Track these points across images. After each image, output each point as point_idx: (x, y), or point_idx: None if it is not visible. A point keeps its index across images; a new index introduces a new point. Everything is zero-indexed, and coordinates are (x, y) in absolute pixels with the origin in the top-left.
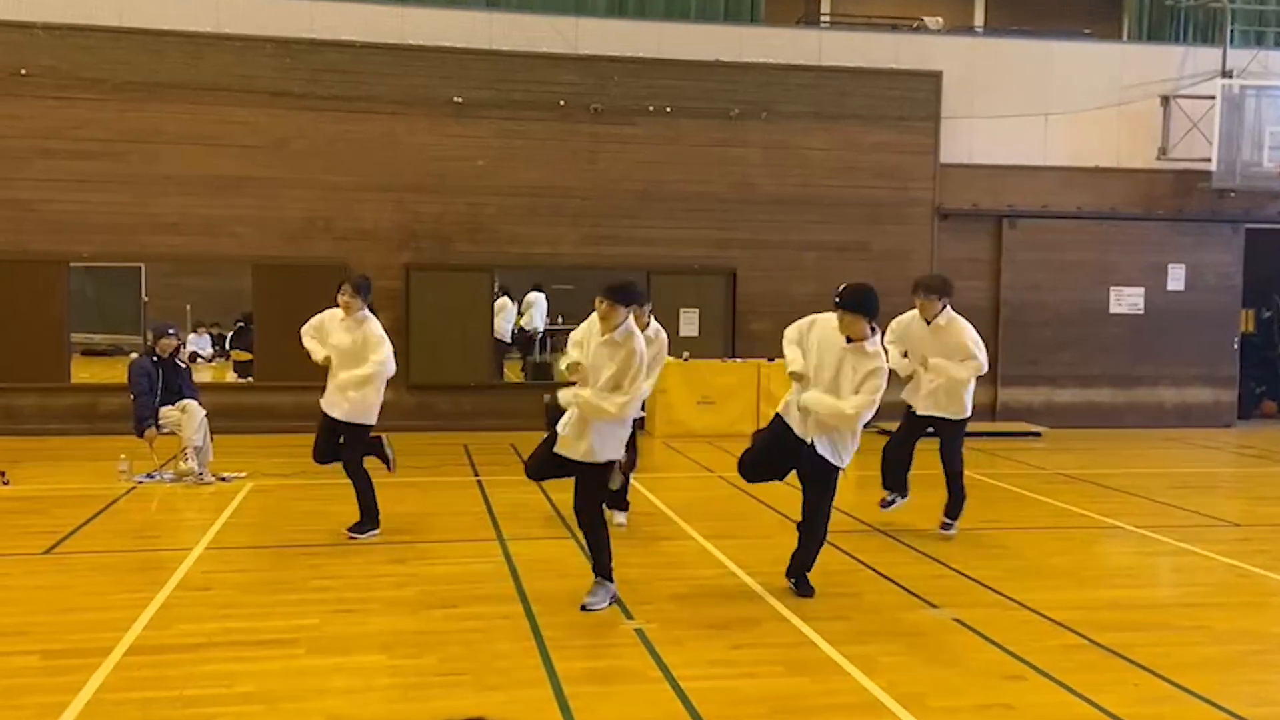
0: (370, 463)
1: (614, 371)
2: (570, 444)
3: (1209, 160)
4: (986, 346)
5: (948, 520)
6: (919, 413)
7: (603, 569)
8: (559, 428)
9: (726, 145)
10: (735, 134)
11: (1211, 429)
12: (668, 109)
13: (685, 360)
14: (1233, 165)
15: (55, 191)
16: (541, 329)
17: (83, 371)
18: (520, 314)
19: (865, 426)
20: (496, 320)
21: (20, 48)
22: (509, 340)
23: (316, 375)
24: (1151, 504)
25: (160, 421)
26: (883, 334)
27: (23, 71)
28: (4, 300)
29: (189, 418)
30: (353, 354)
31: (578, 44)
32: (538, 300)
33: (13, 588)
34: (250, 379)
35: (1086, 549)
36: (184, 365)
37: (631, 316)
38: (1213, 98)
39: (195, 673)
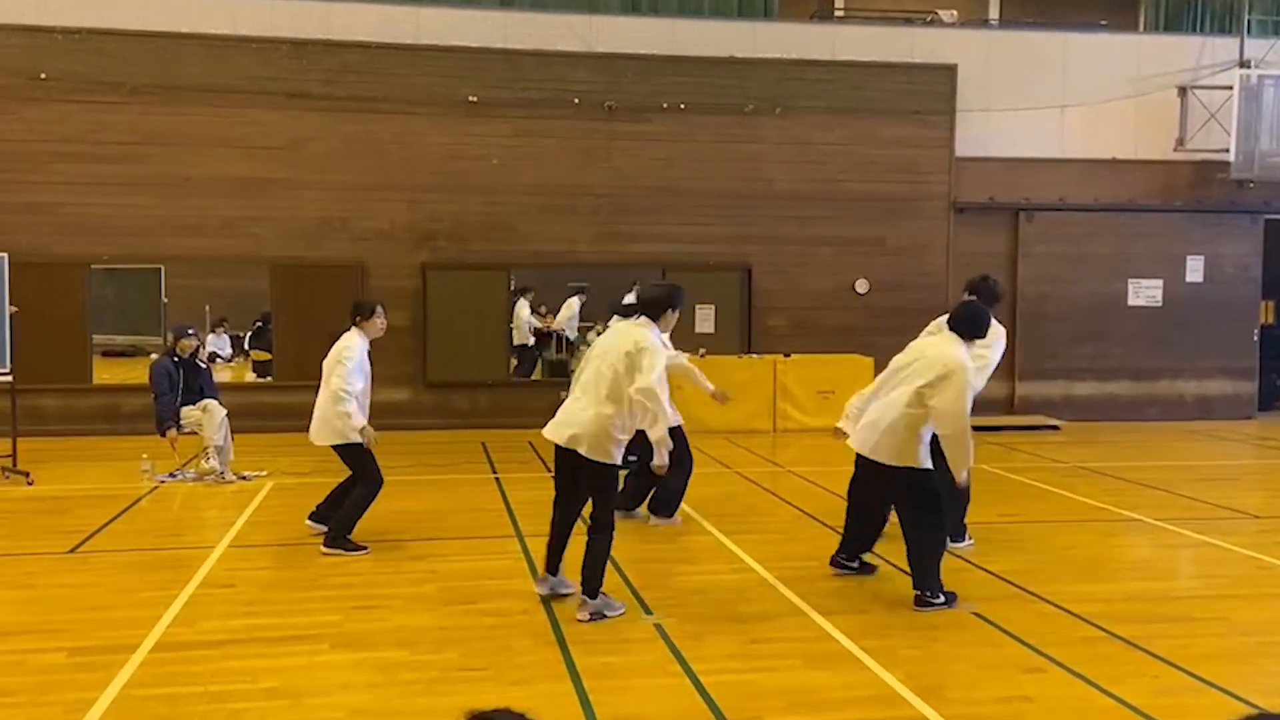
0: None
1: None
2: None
3: (1227, 151)
4: (1004, 341)
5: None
6: None
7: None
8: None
9: (741, 141)
10: (750, 130)
11: (1232, 421)
12: (682, 105)
13: (701, 356)
14: (1251, 155)
15: (75, 194)
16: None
17: (104, 372)
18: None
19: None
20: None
21: (39, 52)
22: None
23: None
24: (1171, 496)
25: (181, 421)
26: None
27: (42, 75)
28: (26, 302)
29: (210, 417)
30: None
31: (592, 42)
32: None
33: (39, 586)
34: (269, 378)
35: (1106, 542)
36: (204, 365)
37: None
38: (1230, 88)
39: (220, 669)
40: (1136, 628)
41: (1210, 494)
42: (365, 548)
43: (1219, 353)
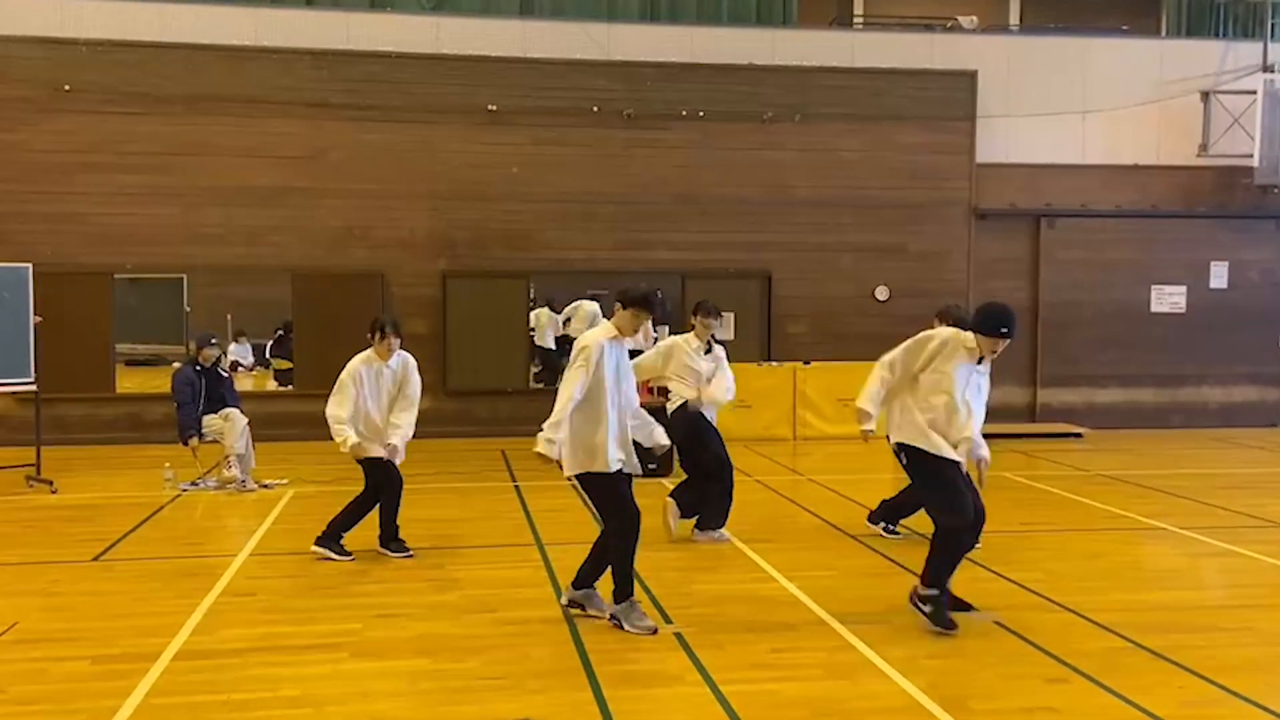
0: None
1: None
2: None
3: (1251, 156)
4: (1025, 347)
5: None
6: None
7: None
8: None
9: (760, 148)
10: (769, 137)
11: (1257, 428)
12: (701, 113)
13: None
14: (1275, 161)
15: (99, 204)
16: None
17: (127, 381)
18: (566, 322)
19: None
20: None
21: (64, 64)
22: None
23: None
24: (1196, 505)
25: (203, 430)
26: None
27: (67, 87)
28: (51, 312)
29: (231, 426)
30: (396, 394)
31: (610, 50)
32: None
33: (63, 594)
34: (290, 387)
35: (1130, 551)
36: (226, 374)
37: None
38: (1254, 93)
39: (242, 677)
40: (1161, 637)
41: (1236, 502)
42: (352, 555)
43: (1244, 359)
